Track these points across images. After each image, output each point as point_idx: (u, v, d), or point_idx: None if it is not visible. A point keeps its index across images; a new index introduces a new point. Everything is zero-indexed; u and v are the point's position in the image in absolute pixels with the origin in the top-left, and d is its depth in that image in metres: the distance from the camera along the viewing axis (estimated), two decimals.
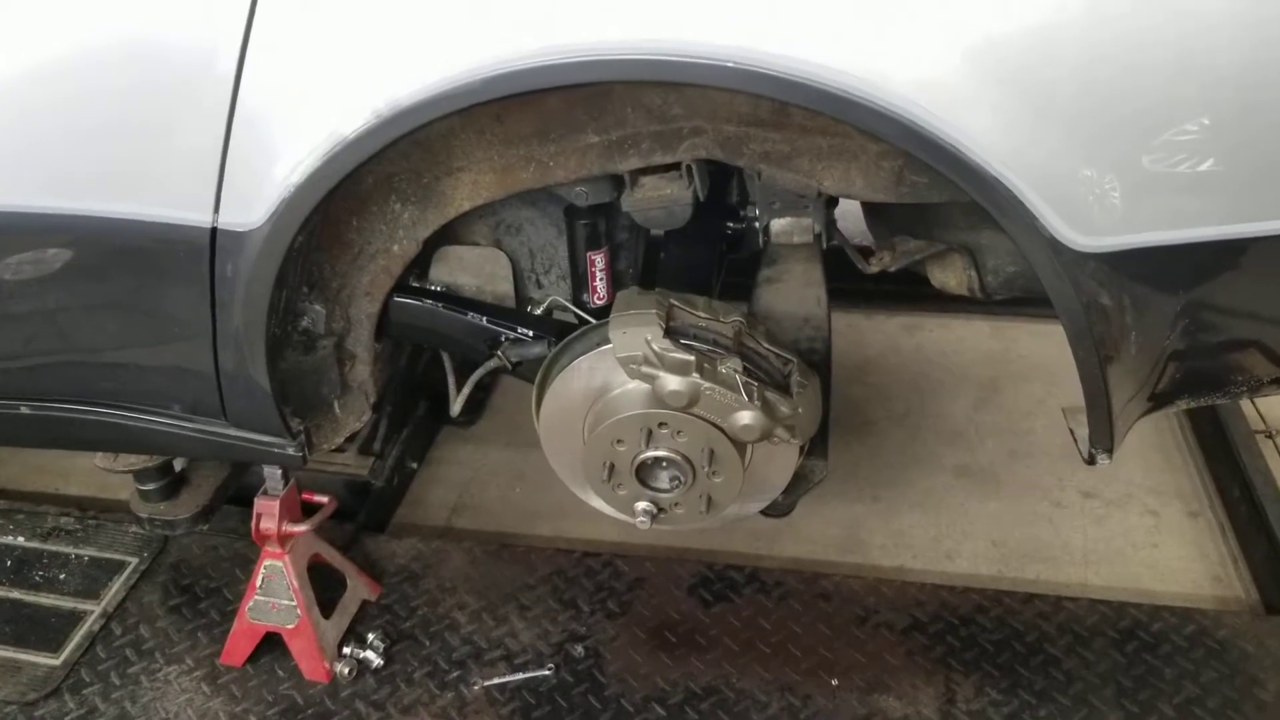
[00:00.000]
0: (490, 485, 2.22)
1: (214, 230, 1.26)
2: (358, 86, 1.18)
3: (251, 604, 1.73)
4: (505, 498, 2.19)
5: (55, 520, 2.04)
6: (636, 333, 1.36)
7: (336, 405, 1.57)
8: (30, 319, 1.44)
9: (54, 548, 1.99)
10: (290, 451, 1.50)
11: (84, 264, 1.35)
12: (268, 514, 1.69)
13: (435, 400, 2.23)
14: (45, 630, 1.83)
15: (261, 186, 1.22)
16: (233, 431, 1.50)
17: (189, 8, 1.19)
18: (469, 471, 2.25)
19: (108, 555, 1.97)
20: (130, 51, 1.21)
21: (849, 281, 1.82)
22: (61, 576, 1.93)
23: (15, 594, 1.90)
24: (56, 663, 1.78)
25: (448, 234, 1.56)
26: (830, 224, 1.56)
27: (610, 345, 1.38)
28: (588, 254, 1.56)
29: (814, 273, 1.55)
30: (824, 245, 1.54)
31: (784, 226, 1.47)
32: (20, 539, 2.01)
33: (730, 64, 1.09)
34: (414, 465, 2.22)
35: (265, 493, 1.70)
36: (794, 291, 1.55)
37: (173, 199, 1.25)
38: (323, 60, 1.19)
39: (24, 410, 1.55)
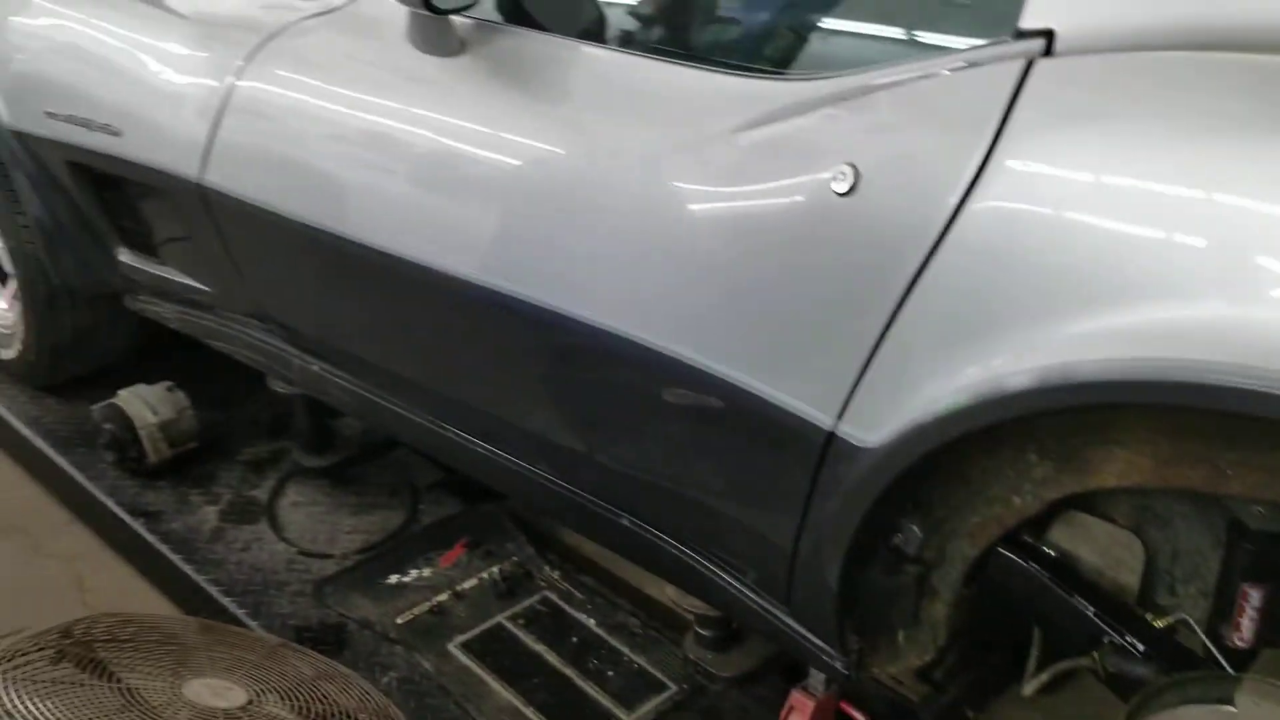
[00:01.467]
0: None
1: (831, 434, 1.22)
2: (1027, 343, 1.07)
3: None
4: None
5: (625, 617, 2.15)
6: (1272, 713, 1.08)
7: (900, 635, 1.46)
8: (651, 442, 1.53)
9: (614, 643, 2.09)
10: (837, 665, 1.42)
11: (707, 413, 1.39)
12: (799, 710, 1.62)
13: (1015, 654, 2.00)
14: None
15: (892, 409, 1.16)
16: (789, 621, 1.46)
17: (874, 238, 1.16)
18: None
19: (654, 672, 2.02)
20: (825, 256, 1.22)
21: None
22: (609, 673, 2.02)
23: (569, 672, 2.03)
24: None
25: (1080, 498, 1.37)
26: None
27: (1235, 712, 1.11)
28: (1243, 584, 1.28)
29: None
30: None
31: None
32: (591, 621, 2.14)
33: None
34: (970, 715, 2.01)
35: (804, 688, 1.63)
36: None
37: (802, 392, 1.24)
38: (994, 308, 1.10)
39: (624, 522, 1.65)
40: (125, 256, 2.37)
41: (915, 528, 1.37)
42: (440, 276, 1.64)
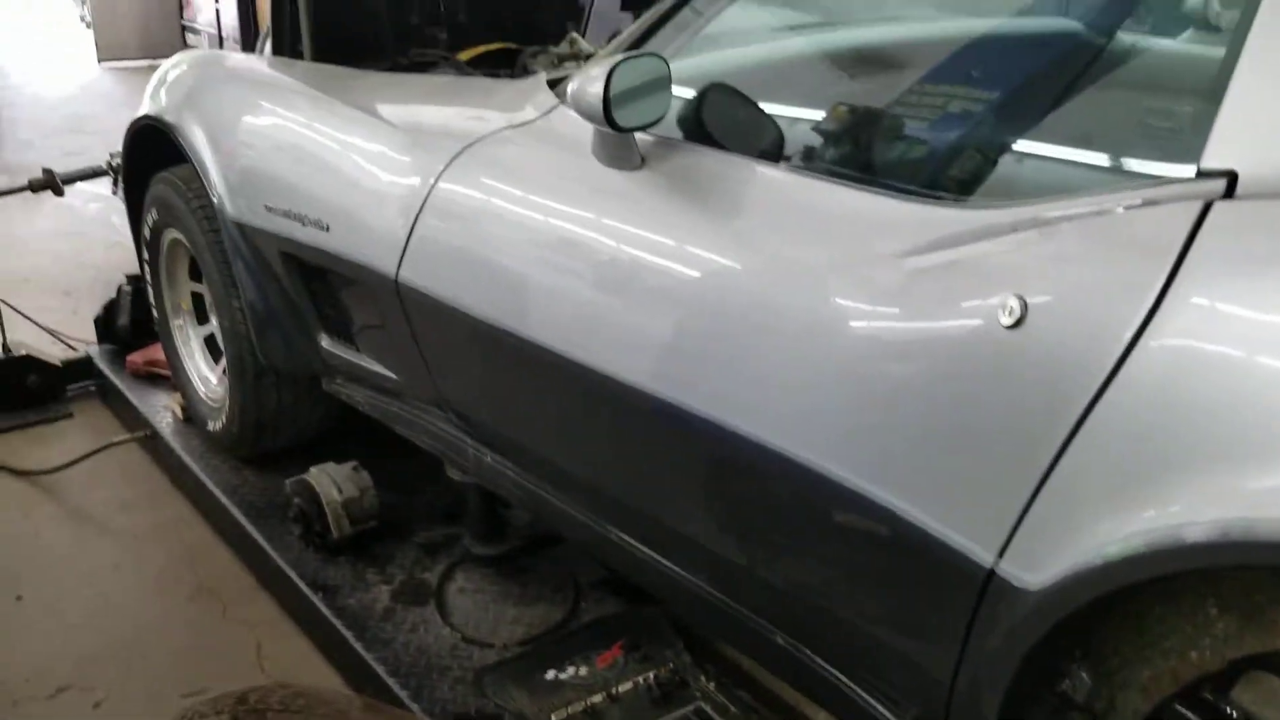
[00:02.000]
0: None
1: (991, 572, 1.18)
2: (1205, 492, 1.02)
3: None
4: None
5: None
6: None
7: None
8: (809, 561, 1.51)
9: None
10: None
11: (865, 538, 1.37)
12: None
13: None
14: None
15: (1057, 550, 1.12)
16: None
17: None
18: None
19: None
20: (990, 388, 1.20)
21: None
22: None
23: None
24: None
25: (1268, 657, 1.28)
26: None
27: None
28: None
29: None
30: None
31: None
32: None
33: None
34: None
35: None
36: None
37: (961, 525, 1.21)
38: (1169, 452, 1.05)
39: (779, 640, 1.63)
40: (326, 342, 2.52)
41: (1084, 675, 1.30)
42: (613, 382, 1.68)
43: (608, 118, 1.61)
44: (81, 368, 3.68)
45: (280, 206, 2.39)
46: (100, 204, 4.66)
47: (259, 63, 2.90)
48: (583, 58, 3.19)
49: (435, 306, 2.03)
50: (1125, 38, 1.79)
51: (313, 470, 2.63)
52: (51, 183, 4.27)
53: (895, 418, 1.31)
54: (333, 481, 2.60)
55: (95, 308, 4.03)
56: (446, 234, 2.01)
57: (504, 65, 3.34)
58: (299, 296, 2.51)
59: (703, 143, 1.72)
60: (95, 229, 4.96)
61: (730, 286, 1.54)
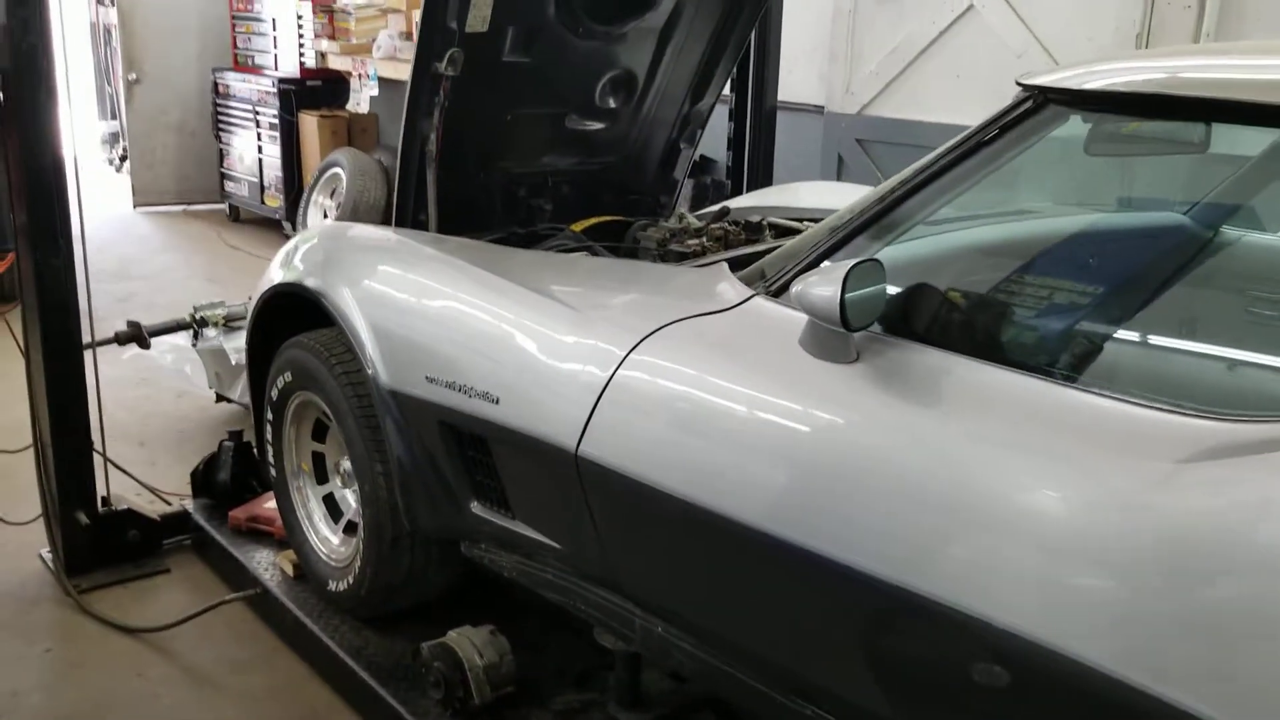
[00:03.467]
0: None
1: None
2: None
3: None
4: None
5: None
6: None
7: None
8: None
9: None
10: None
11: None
12: None
13: None
14: None
15: None
16: None
17: None
18: None
19: None
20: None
21: None
22: None
23: None
24: None
25: None
26: None
27: None
28: None
29: None
30: None
31: None
32: None
33: None
34: None
35: None
36: None
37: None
38: None
39: None
40: (477, 508, 2.59)
41: None
42: (830, 563, 1.76)
43: (843, 319, 1.73)
44: (177, 522, 3.71)
45: (444, 377, 2.49)
46: (174, 355, 4.75)
47: (394, 234, 3.04)
48: (691, 231, 3.35)
49: (620, 481, 2.11)
50: None
51: (452, 634, 2.66)
52: (138, 335, 4.37)
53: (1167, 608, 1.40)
54: (474, 646, 2.63)
55: (170, 459, 4.09)
56: (637, 413, 2.11)
57: (612, 236, 3.49)
58: (452, 463, 2.59)
59: (913, 339, 1.84)
60: (166, 378, 5.03)
61: (966, 483, 1.64)
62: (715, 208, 3.75)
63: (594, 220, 3.60)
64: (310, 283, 2.90)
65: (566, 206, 3.75)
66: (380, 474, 2.74)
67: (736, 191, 4.59)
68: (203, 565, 3.62)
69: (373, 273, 2.81)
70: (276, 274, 3.08)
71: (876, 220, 1.97)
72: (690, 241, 3.06)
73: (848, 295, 1.72)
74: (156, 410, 4.96)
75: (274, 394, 3.11)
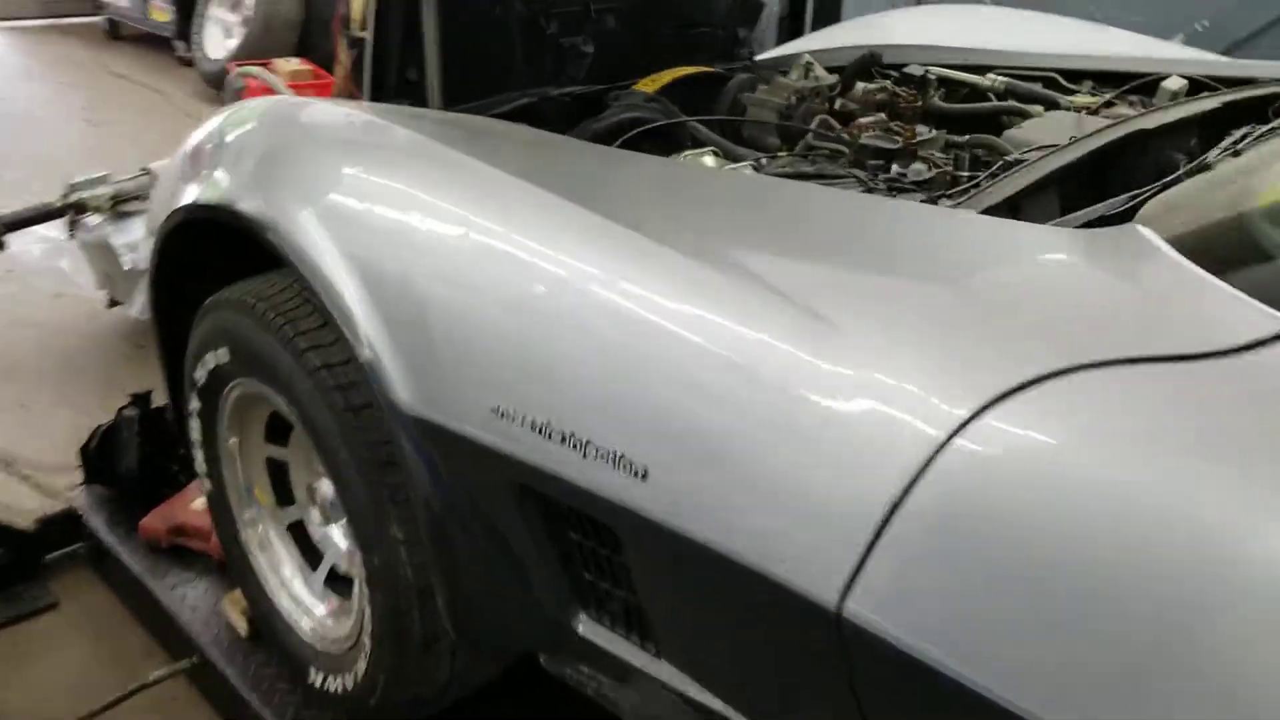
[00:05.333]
0: None
1: None
2: None
3: None
4: None
5: None
6: None
7: None
8: None
9: None
10: None
11: None
12: None
13: None
14: None
15: None
16: None
17: None
18: None
19: None
20: None
21: None
22: None
23: None
24: None
25: None
26: None
27: None
28: None
29: None
30: None
31: None
32: None
33: None
34: None
35: None
36: None
37: None
38: None
39: None
40: (587, 628, 1.50)
41: None
42: None
43: None
44: (62, 527, 2.55)
45: (526, 415, 1.36)
46: (44, 247, 3.48)
47: (384, 117, 1.82)
48: (825, 87, 2.22)
49: (932, 676, 1.05)
50: None
51: None
52: None
53: None
54: None
55: (50, 397, 2.93)
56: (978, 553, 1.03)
57: (695, 97, 2.36)
58: (541, 551, 1.49)
59: None
60: (34, 275, 3.75)
61: None
62: (812, 47, 2.61)
63: (671, 74, 2.42)
64: (247, 205, 1.71)
65: (613, 49, 2.55)
66: (401, 542, 1.62)
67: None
68: (105, 590, 2.50)
69: (361, 194, 1.63)
70: (187, 185, 1.87)
71: None
72: (897, 136, 1.89)
73: None
74: (25, 319, 3.66)
75: (199, 376, 1.94)
